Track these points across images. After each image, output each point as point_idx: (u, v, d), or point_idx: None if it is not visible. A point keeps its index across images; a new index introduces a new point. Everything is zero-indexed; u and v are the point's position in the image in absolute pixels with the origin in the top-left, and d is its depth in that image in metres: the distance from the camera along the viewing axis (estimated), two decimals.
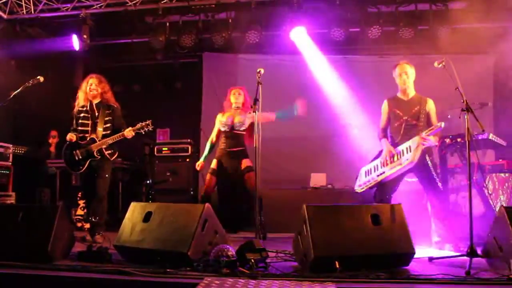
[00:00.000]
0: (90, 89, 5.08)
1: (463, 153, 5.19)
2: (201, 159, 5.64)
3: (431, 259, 3.72)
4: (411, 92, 4.63)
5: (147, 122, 4.98)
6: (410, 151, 4.30)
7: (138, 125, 4.99)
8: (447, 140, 5.29)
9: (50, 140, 7.37)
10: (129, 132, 4.95)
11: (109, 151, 5.06)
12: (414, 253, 3.40)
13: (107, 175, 5.04)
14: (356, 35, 6.91)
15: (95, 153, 4.96)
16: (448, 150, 5.38)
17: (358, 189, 4.76)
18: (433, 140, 4.33)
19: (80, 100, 5.17)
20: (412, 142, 4.33)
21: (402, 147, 4.44)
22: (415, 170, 4.47)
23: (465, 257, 3.43)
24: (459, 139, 5.12)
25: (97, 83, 5.11)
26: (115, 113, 5.15)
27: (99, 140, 4.97)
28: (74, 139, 4.98)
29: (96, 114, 5.07)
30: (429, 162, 4.42)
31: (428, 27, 6.55)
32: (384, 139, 4.69)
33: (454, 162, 5.58)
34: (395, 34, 6.72)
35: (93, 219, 4.91)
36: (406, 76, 4.57)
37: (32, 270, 3.13)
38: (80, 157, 4.99)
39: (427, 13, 6.57)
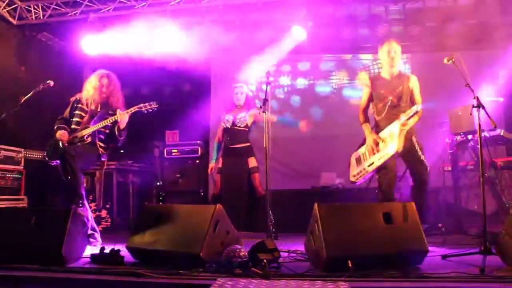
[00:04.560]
0: (102, 91, 4.77)
1: (474, 150, 5.16)
2: (212, 161, 5.66)
3: (444, 256, 3.70)
4: (396, 71, 4.59)
5: (151, 103, 4.59)
6: (394, 138, 4.28)
7: (141, 105, 4.58)
8: (458, 137, 5.26)
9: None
10: (122, 115, 4.48)
11: (103, 145, 4.63)
12: (427, 251, 3.37)
13: (90, 155, 4.52)
14: (364, 33, 6.89)
15: (84, 138, 4.55)
16: (459, 147, 5.35)
17: (352, 179, 4.72)
18: (412, 122, 4.35)
19: (85, 93, 4.82)
20: (394, 127, 4.31)
21: (385, 134, 4.40)
22: (402, 152, 4.44)
23: (478, 255, 3.40)
24: (470, 136, 5.09)
25: (107, 84, 4.80)
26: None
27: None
28: (65, 138, 4.53)
29: (97, 111, 4.72)
30: (415, 144, 4.44)
31: (436, 23, 6.51)
32: (365, 124, 4.65)
33: (466, 159, 5.54)
34: (403, 31, 6.69)
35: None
36: (395, 54, 4.53)
37: (46, 273, 3.16)
38: (66, 144, 4.54)
39: (435, 9, 6.52)
